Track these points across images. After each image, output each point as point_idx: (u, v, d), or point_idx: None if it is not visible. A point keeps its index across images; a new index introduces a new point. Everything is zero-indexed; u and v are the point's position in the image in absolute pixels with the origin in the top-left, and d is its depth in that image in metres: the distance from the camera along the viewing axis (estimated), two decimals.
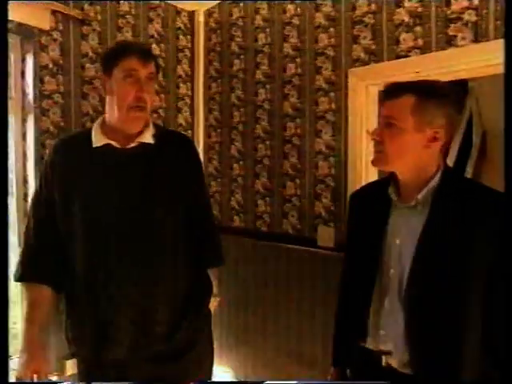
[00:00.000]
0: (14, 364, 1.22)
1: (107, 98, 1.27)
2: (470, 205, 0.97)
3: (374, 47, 1.88)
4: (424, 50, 1.73)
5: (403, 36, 1.80)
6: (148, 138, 1.28)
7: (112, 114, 1.26)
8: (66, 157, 1.27)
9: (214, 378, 1.54)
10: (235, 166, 2.46)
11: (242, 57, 2.42)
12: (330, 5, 2.01)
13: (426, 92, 1.00)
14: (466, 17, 1.62)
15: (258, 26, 2.33)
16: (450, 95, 1.02)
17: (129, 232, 1.23)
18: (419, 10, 1.75)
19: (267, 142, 2.30)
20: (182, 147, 1.37)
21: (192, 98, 2.63)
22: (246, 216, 2.42)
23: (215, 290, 1.44)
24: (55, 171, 1.26)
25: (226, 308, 2.42)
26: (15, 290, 1.71)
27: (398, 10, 1.81)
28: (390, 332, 1.04)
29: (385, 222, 1.07)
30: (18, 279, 1.28)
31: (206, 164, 2.58)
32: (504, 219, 0.88)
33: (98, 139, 1.26)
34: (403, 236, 1.04)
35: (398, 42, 1.82)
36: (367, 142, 1.95)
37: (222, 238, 2.46)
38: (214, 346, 1.47)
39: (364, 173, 1.94)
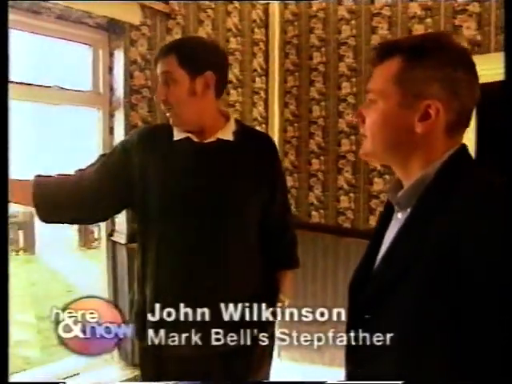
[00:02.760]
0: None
1: None
2: (464, 212, 0.64)
3: (478, 38, 1.81)
4: None
5: None
6: (227, 134, 1.27)
7: None
8: (149, 145, 1.27)
9: None
10: (314, 161, 2.42)
11: (322, 49, 2.37)
12: None
13: (418, 50, 0.71)
14: None
15: (341, 18, 2.27)
16: (453, 51, 0.71)
17: (204, 227, 1.22)
18: None
19: (352, 137, 2.25)
20: (262, 147, 1.35)
21: (267, 91, 2.60)
22: (327, 212, 2.38)
23: (286, 292, 1.41)
24: (137, 154, 1.25)
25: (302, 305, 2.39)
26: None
27: None
28: None
29: (383, 230, 0.84)
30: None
31: (281, 159, 2.55)
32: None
33: (177, 132, 1.26)
34: None
35: None
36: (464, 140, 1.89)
37: (299, 234, 2.45)
38: None
39: None
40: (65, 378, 1.96)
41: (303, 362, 2.49)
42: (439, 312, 0.64)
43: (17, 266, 4.49)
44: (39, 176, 1.24)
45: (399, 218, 0.78)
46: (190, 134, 1.26)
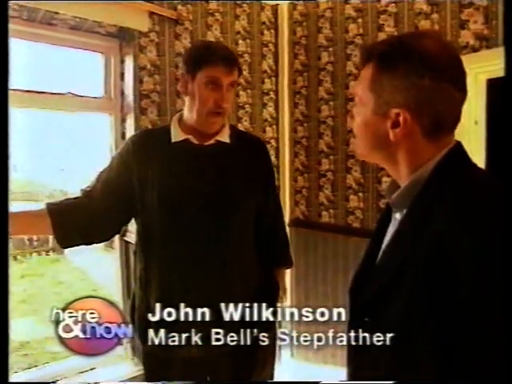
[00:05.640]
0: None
1: (187, 98, 1.29)
2: (453, 217, 0.64)
3: (486, 32, 1.76)
4: None
5: None
6: (225, 137, 1.32)
7: (190, 114, 1.29)
8: (146, 149, 1.30)
9: None
10: (324, 160, 2.42)
11: (330, 49, 2.37)
12: None
13: (387, 57, 0.71)
14: None
15: (348, 17, 2.26)
16: (423, 56, 0.68)
17: (203, 226, 1.26)
18: None
19: None
20: (255, 150, 1.41)
21: (277, 92, 2.62)
22: (336, 211, 2.38)
23: (282, 291, 1.45)
24: (134, 161, 1.28)
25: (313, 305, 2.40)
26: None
27: None
28: None
29: (383, 231, 0.83)
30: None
31: (292, 159, 2.56)
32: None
33: (176, 134, 1.30)
34: None
35: None
36: (475, 135, 1.84)
37: (309, 234, 2.46)
38: None
39: None
40: (80, 373, 2.04)
41: (317, 362, 2.49)
42: (431, 313, 0.64)
43: (45, 265, 4.70)
44: (51, 204, 1.26)
45: (397, 218, 0.78)
46: (189, 136, 1.29)
